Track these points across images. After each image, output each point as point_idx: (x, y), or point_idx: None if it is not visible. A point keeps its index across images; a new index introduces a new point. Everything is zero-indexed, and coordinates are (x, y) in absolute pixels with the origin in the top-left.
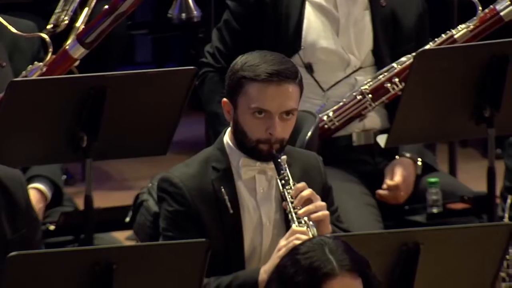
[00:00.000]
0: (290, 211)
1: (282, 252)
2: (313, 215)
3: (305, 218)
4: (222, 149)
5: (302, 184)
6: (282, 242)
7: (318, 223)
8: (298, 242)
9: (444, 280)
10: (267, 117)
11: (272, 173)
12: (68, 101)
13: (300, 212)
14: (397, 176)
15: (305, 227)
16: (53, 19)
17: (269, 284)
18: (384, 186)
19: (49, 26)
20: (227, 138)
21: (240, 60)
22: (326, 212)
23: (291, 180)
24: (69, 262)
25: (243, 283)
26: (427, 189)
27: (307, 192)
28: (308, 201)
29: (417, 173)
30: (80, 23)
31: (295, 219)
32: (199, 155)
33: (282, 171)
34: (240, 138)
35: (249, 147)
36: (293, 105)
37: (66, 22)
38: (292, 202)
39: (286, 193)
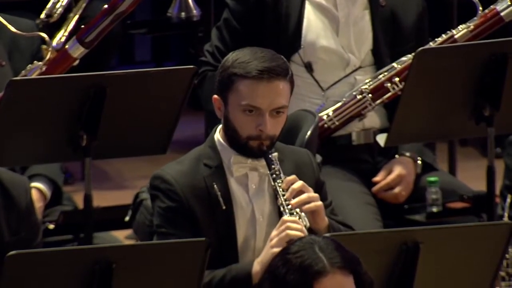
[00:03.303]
0: (281, 203)
1: (274, 242)
2: (306, 206)
3: (297, 210)
4: (214, 146)
5: (292, 177)
6: (274, 232)
7: (312, 214)
8: (290, 232)
9: (443, 279)
10: (258, 114)
11: (264, 170)
12: (68, 100)
13: (292, 202)
14: (391, 175)
15: (297, 218)
16: (47, 9)
17: (261, 285)
18: (377, 184)
19: (42, 16)
20: (218, 135)
21: (231, 57)
22: (319, 203)
23: (282, 174)
24: (68, 261)
25: (236, 275)
26: (427, 188)
27: (298, 184)
28: (299, 193)
29: (417, 172)
30: (73, 15)
31: (286, 210)
32: (191, 153)
33: (273, 166)
34: (230, 134)
35: (240, 144)
36: (284, 102)
37: (61, 12)
38: (283, 195)
39: (277, 187)
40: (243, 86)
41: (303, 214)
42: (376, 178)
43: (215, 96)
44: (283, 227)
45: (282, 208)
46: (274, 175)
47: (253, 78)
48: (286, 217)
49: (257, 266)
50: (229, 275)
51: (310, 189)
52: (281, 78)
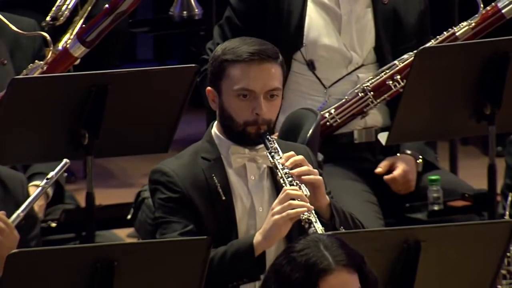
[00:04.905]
0: (281, 177)
1: (277, 210)
2: (306, 177)
3: (297, 181)
4: (211, 140)
5: (291, 153)
6: (276, 202)
7: (313, 190)
8: (293, 201)
9: (445, 277)
10: (252, 98)
11: (263, 161)
12: (70, 98)
13: (293, 171)
14: (398, 170)
15: (297, 188)
16: (52, 12)
17: (265, 284)
18: (379, 169)
19: (48, 19)
20: (214, 129)
21: (220, 47)
22: (319, 177)
23: (280, 151)
24: (70, 260)
25: (238, 248)
26: (428, 187)
27: (300, 156)
28: (299, 166)
29: (418, 171)
30: (79, 19)
31: (287, 182)
32: (189, 148)
33: (270, 144)
34: (227, 124)
35: (237, 132)
36: (277, 85)
37: (67, 15)
38: (283, 169)
39: (276, 162)
40: (235, 70)
41: (303, 185)
42: (379, 170)
43: (208, 88)
44: (284, 195)
45: (282, 181)
46: (273, 153)
47: (244, 61)
48: (287, 187)
49: (258, 236)
50: (230, 249)
51: (309, 164)
52: (272, 61)
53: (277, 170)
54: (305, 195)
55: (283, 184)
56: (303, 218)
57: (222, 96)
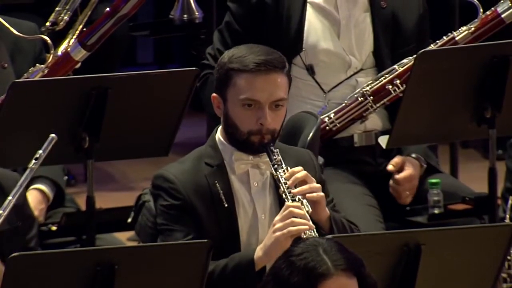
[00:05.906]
0: (284, 191)
1: (278, 226)
2: (308, 195)
3: (299, 196)
4: (214, 146)
5: (298, 168)
6: (277, 217)
7: (314, 205)
8: (295, 219)
9: (445, 280)
10: (257, 108)
11: (266, 167)
12: (70, 102)
13: (294, 191)
14: (404, 172)
15: (299, 204)
16: (52, 17)
17: (264, 287)
18: (391, 167)
19: (47, 24)
20: (218, 135)
21: (227, 53)
22: (321, 194)
23: (283, 164)
24: (71, 263)
25: (239, 263)
26: (429, 190)
27: (302, 173)
28: (302, 183)
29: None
30: (79, 23)
31: (289, 197)
32: (192, 153)
33: (274, 156)
34: (231, 131)
35: (241, 140)
36: (282, 95)
37: (66, 19)
38: (285, 183)
39: (279, 176)
40: (241, 80)
41: (305, 200)
42: (391, 167)
43: (214, 94)
44: (286, 212)
45: (284, 196)
46: (276, 165)
47: (251, 71)
48: (289, 203)
49: (259, 252)
50: (231, 263)
51: (313, 179)
52: (278, 71)
53: (280, 184)
54: (307, 211)
55: (285, 199)
56: (304, 237)
57: (227, 104)
